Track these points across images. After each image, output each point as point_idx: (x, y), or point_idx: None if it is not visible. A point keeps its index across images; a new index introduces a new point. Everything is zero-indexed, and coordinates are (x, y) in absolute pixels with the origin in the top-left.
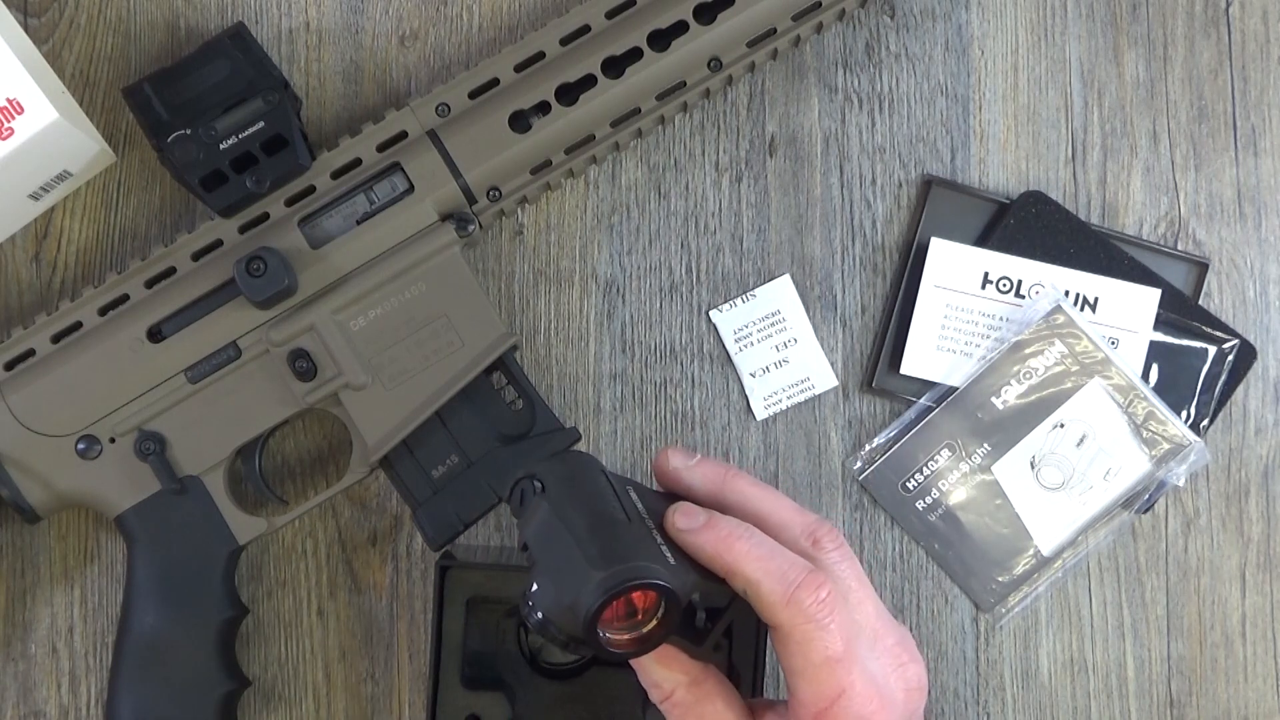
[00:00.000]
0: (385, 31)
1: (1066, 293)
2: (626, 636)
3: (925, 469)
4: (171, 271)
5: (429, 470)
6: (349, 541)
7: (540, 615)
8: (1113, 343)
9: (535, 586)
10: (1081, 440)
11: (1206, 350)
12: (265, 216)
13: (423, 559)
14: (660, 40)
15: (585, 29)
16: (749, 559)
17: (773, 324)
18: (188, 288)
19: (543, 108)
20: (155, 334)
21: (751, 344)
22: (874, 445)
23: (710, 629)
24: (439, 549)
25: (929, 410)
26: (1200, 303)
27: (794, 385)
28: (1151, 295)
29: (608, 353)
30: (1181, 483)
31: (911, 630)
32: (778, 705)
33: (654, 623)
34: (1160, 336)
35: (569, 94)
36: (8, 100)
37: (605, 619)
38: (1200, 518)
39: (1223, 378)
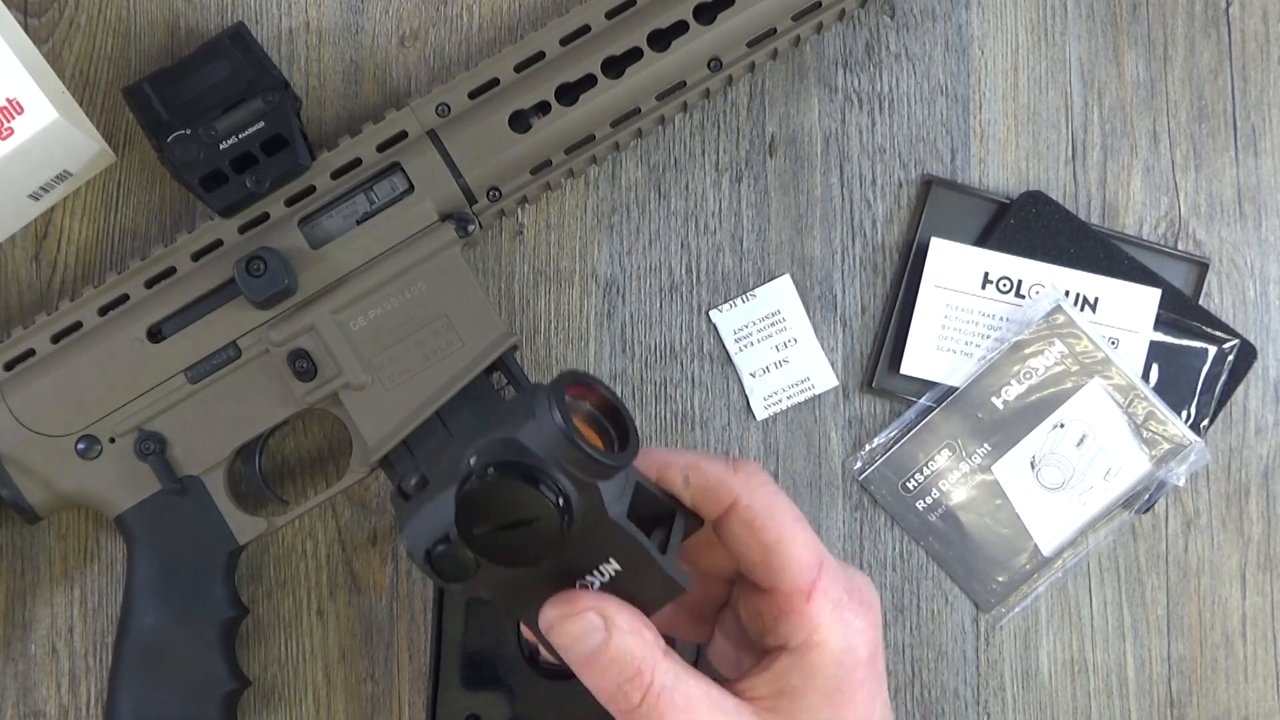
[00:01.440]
0: (385, 31)
1: (1066, 293)
2: (601, 443)
3: (925, 469)
4: (171, 271)
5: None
6: (349, 541)
7: (492, 463)
8: (1113, 343)
9: (474, 459)
10: (1081, 440)
11: (1206, 350)
12: (265, 216)
13: None
14: (660, 40)
15: (585, 29)
16: (677, 450)
17: (773, 324)
18: (188, 288)
19: (543, 108)
20: (155, 334)
21: (751, 344)
22: (874, 445)
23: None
24: None
25: (929, 410)
26: (1200, 303)
27: (794, 385)
28: (1151, 295)
29: (608, 353)
30: (1181, 483)
31: (911, 630)
32: (742, 675)
33: (618, 441)
34: (1160, 336)
35: (569, 94)
36: (8, 100)
37: (575, 419)
38: (1200, 518)
39: (1223, 378)
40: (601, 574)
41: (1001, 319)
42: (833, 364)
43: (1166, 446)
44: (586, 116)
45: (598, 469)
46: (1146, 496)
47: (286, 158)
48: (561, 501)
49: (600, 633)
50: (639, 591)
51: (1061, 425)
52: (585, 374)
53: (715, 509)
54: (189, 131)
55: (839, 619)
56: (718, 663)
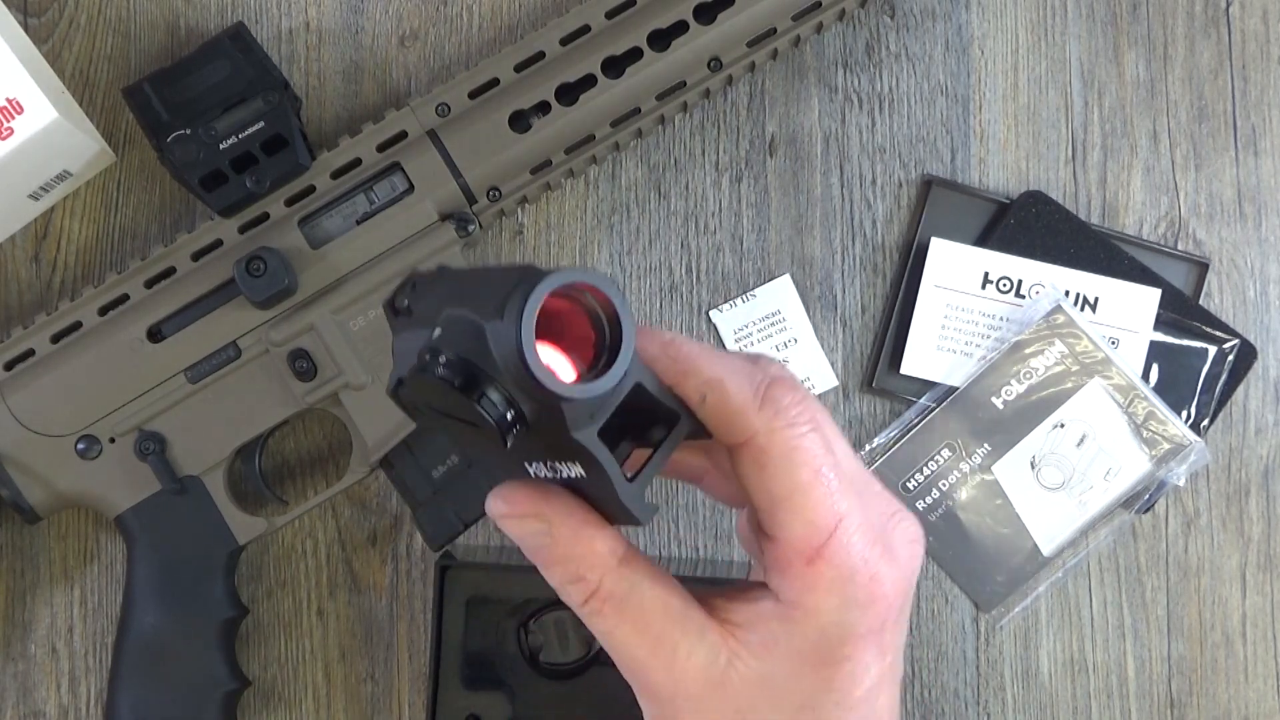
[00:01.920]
0: (385, 31)
1: (1066, 293)
2: (572, 373)
3: (925, 469)
4: (171, 271)
5: (429, 470)
6: (349, 541)
7: (446, 354)
8: (1113, 343)
9: (438, 330)
10: (1081, 440)
11: (1206, 350)
12: (265, 216)
13: (423, 559)
14: (660, 40)
15: (585, 29)
16: (706, 357)
17: (773, 324)
18: (188, 288)
19: (543, 108)
20: (155, 334)
21: (751, 344)
22: (874, 445)
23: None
24: (439, 549)
25: (929, 410)
26: (1200, 303)
27: None
28: (1151, 295)
29: None
30: (1182, 483)
31: (911, 630)
32: (727, 589)
33: (603, 361)
34: (1160, 336)
35: (569, 94)
36: (8, 100)
37: (544, 339)
38: (1200, 518)
39: (1223, 378)
40: (566, 468)
41: (1001, 319)
42: (833, 364)
43: (1166, 446)
44: (586, 116)
45: (555, 399)
46: (1146, 496)
47: (286, 158)
48: (511, 415)
49: (544, 536)
50: (598, 500)
51: (1061, 425)
52: (586, 276)
53: (728, 438)
54: (189, 131)
55: (839, 591)
56: (741, 539)
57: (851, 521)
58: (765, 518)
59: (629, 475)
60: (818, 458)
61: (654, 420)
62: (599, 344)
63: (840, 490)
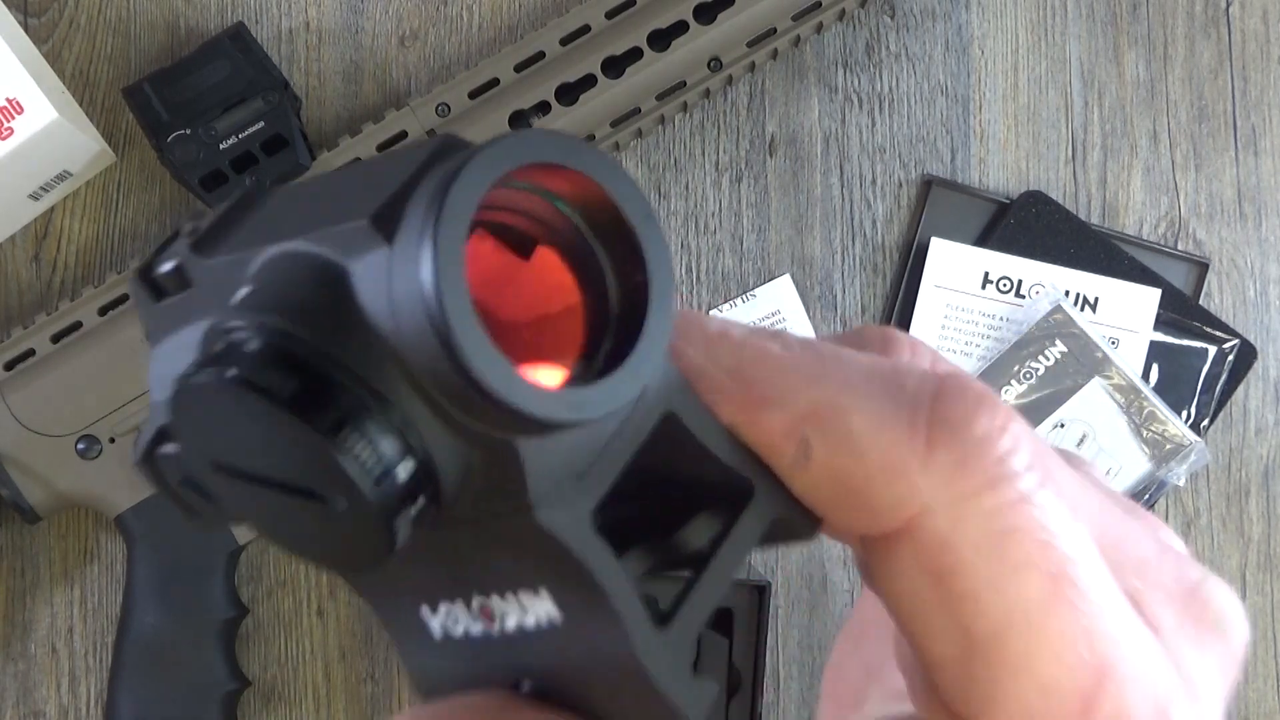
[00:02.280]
0: (385, 31)
1: (1066, 293)
2: (546, 374)
3: None
4: None
5: None
6: None
7: (261, 345)
8: (1113, 343)
9: (247, 290)
10: (1082, 440)
11: (1206, 350)
12: None
13: None
14: (660, 40)
15: (585, 29)
16: (798, 356)
17: (773, 324)
18: None
19: (543, 108)
20: None
21: None
22: None
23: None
24: None
25: None
26: (1200, 303)
27: None
28: (1151, 295)
29: None
30: (1182, 483)
31: None
32: None
33: (606, 347)
34: (1160, 336)
35: (569, 94)
36: (8, 100)
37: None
38: (1200, 518)
39: (1223, 378)
40: (517, 610)
41: (1001, 319)
42: None
43: (1166, 446)
44: (586, 116)
45: (511, 426)
46: (1146, 496)
47: (286, 158)
48: (408, 472)
49: None
50: (589, 677)
51: (1062, 425)
52: (566, 147)
53: (864, 524)
54: (189, 131)
55: None
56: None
57: (1128, 669)
58: (951, 671)
59: (657, 612)
60: (1057, 549)
61: (696, 500)
62: (594, 315)
63: (1105, 608)
